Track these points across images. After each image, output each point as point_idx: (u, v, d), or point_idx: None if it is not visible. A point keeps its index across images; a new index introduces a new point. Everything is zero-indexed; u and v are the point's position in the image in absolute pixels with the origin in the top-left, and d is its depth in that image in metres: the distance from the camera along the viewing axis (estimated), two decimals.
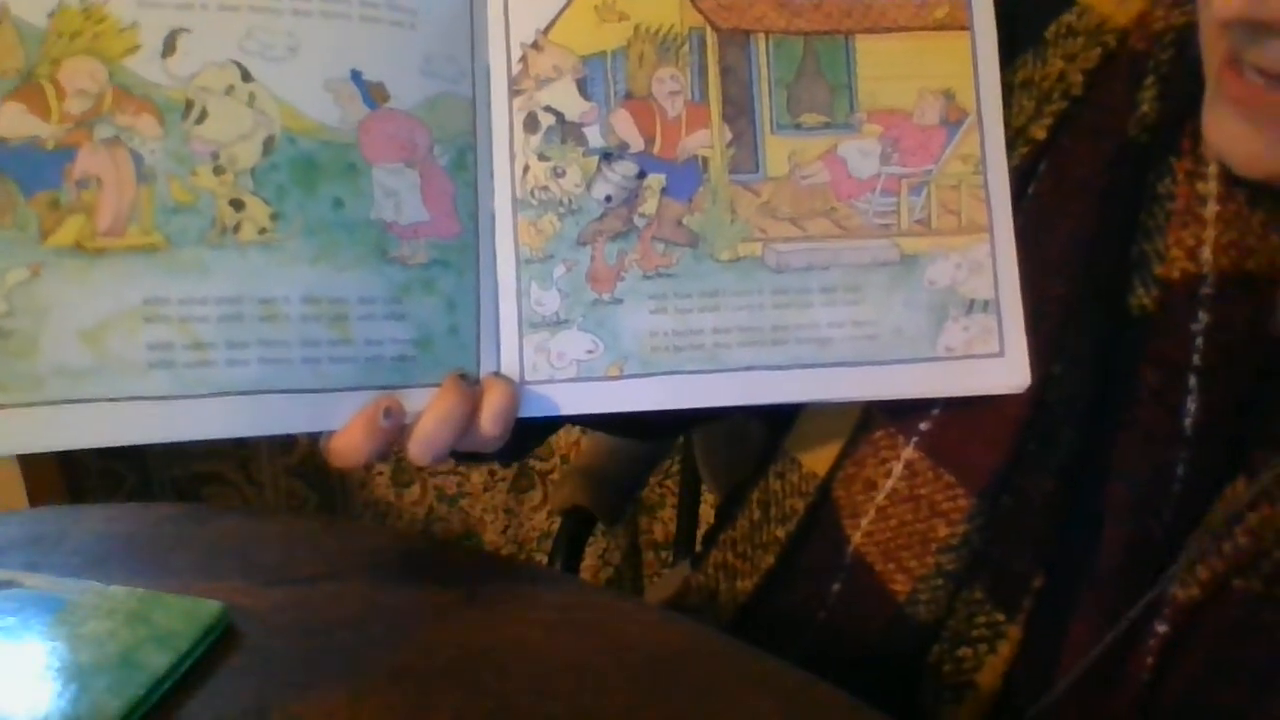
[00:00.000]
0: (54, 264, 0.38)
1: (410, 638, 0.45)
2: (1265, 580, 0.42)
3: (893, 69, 0.47)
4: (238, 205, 0.40)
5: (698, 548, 0.98)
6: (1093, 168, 0.47)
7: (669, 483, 1.50)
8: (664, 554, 1.56)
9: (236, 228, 0.40)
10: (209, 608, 0.45)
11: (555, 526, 0.88)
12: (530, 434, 0.48)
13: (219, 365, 0.39)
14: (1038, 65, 0.49)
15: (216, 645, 0.44)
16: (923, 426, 0.48)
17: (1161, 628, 0.43)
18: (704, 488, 1.01)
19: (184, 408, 0.39)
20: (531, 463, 1.56)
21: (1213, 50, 0.41)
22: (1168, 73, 0.46)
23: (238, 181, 0.40)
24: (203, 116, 0.40)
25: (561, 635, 0.45)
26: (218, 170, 0.40)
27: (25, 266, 0.37)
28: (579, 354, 0.45)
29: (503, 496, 1.59)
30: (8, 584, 0.47)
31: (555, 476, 1.55)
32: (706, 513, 1.07)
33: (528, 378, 0.45)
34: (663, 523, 1.55)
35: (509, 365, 0.45)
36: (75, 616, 0.44)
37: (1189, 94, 0.45)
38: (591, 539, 0.92)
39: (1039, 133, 0.48)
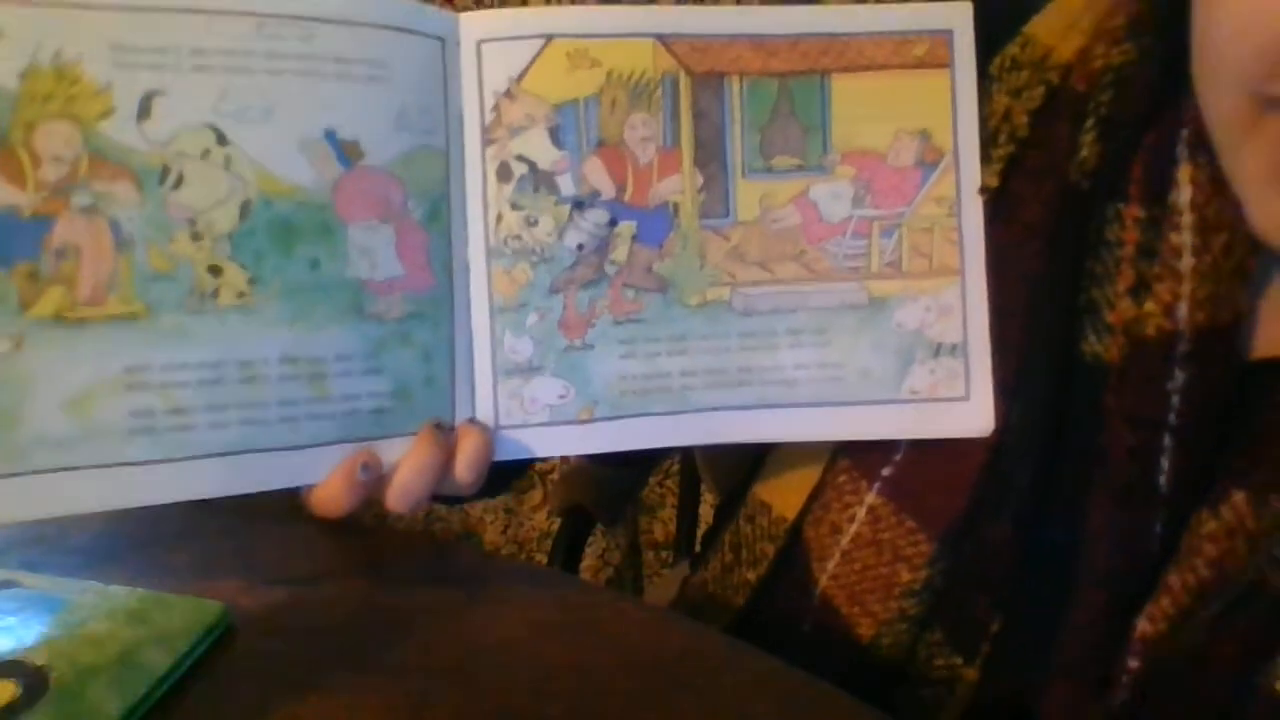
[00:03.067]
0: (35, 335, 0.38)
1: (410, 638, 0.45)
2: (1227, 606, 0.42)
3: (869, 109, 0.47)
4: (215, 271, 0.40)
5: (698, 548, 0.99)
6: (1039, 211, 0.46)
7: (669, 483, 1.50)
8: (664, 554, 1.56)
9: (215, 293, 0.40)
10: (209, 608, 0.45)
11: (555, 526, 0.88)
12: (507, 471, 0.48)
13: (200, 429, 0.40)
14: (984, 102, 0.47)
15: (216, 645, 0.44)
16: (885, 472, 0.49)
17: (1133, 663, 0.43)
18: (704, 488, 1.02)
19: (166, 472, 0.40)
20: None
21: (1256, 132, 0.38)
22: (1107, 115, 0.45)
23: (215, 248, 0.40)
24: (180, 182, 0.40)
25: (561, 635, 0.45)
26: (195, 236, 0.40)
27: (7, 339, 0.37)
28: (551, 399, 0.46)
29: (503, 497, 1.59)
30: (8, 584, 0.47)
31: (555, 476, 1.55)
32: (706, 513, 1.07)
33: (502, 422, 0.46)
34: (663, 523, 1.55)
35: (484, 411, 0.46)
36: (75, 616, 0.45)
37: (1130, 136, 0.44)
38: (591, 539, 0.92)
39: (991, 180, 0.47)
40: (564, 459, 1.53)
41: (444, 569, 0.51)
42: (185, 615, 0.45)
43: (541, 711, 0.41)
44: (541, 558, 1.53)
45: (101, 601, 0.46)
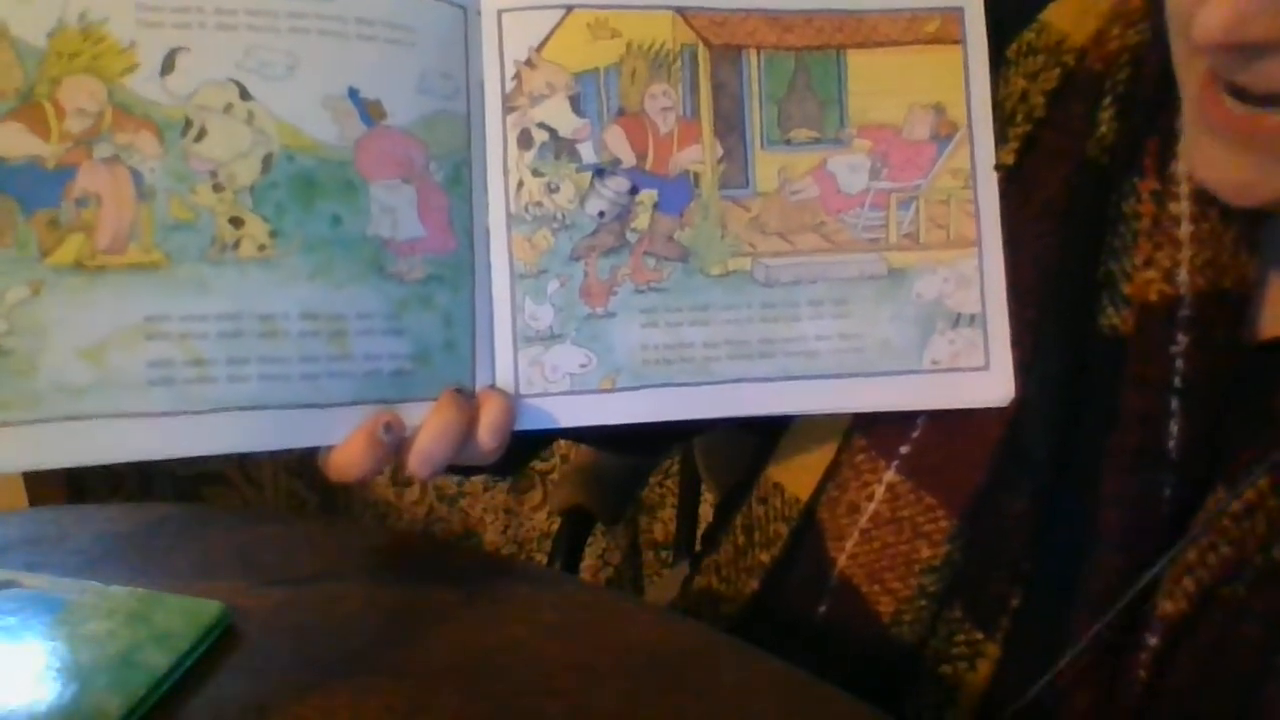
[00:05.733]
0: (54, 282, 0.38)
1: (410, 638, 0.45)
2: (1248, 587, 0.42)
3: (883, 84, 0.48)
4: (237, 223, 0.40)
5: (698, 548, 0.99)
6: (1055, 190, 0.47)
7: (669, 483, 1.50)
8: (664, 554, 1.56)
9: (236, 245, 0.40)
10: (209, 608, 0.45)
11: (555, 526, 0.88)
12: (525, 447, 0.48)
13: (219, 382, 0.40)
14: (1000, 85, 0.49)
15: (216, 645, 0.44)
16: (903, 449, 0.49)
17: (1152, 640, 0.43)
18: (704, 488, 1.02)
19: (184, 424, 0.39)
20: (531, 462, 1.56)
21: (1188, 73, 0.41)
22: (1124, 93, 0.46)
23: (237, 199, 0.40)
24: (202, 135, 0.40)
25: (561, 635, 0.45)
26: (217, 188, 0.40)
27: (25, 285, 0.37)
28: (572, 368, 0.46)
29: (503, 496, 1.59)
30: (8, 584, 0.47)
31: (555, 476, 1.55)
32: (706, 512, 1.07)
33: (522, 391, 0.45)
34: (663, 523, 1.56)
35: (504, 379, 0.45)
36: (75, 616, 0.44)
37: (1147, 114, 0.46)
38: (591, 539, 0.92)
39: (1007, 158, 0.48)
40: (565, 458, 1.53)
41: (444, 569, 0.51)
42: (185, 615, 0.45)
43: (542, 711, 0.41)
44: (541, 558, 1.53)
45: (101, 601, 0.45)
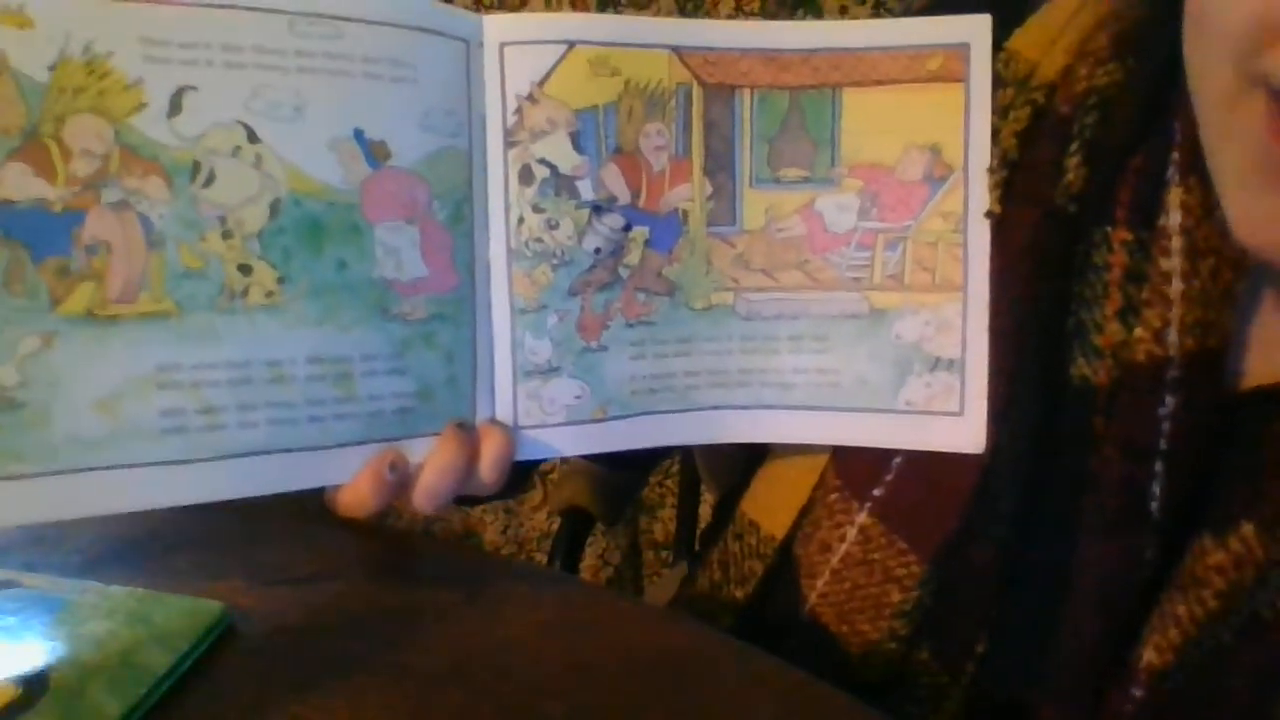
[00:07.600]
0: (66, 333, 0.37)
1: (410, 638, 0.45)
2: (1235, 639, 0.42)
3: (879, 123, 0.47)
4: (245, 270, 0.40)
5: (697, 547, 0.99)
6: (1028, 236, 0.46)
7: (669, 483, 1.50)
8: (664, 554, 1.56)
9: (244, 292, 0.40)
10: (209, 608, 0.45)
11: (555, 526, 0.88)
12: (521, 472, 0.49)
13: (230, 428, 0.40)
14: None
15: (216, 645, 0.44)
16: (876, 493, 0.49)
17: (1138, 693, 0.43)
18: (704, 488, 1.02)
19: (196, 471, 0.40)
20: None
21: (1242, 118, 0.36)
22: (1092, 139, 0.44)
23: (245, 245, 0.40)
24: (210, 179, 0.40)
25: (561, 635, 0.45)
26: (226, 235, 0.40)
27: (37, 335, 0.37)
28: (568, 399, 0.47)
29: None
30: (8, 584, 0.47)
31: (555, 476, 1.55)
32: (706, 513, 1.07)
33: (521, 423, 0.47)
34: (663, 523, 1.56)
35: (503, 412, 0.47)
36: (75, 616, 0.44)
37: (1117, 161, 0.44)
38: (591, 539, 0.92)
39: (995, 206, 0.46)
40: (563, 459, 1.53)
41: (444, 569, 0.51)
42: (185, 615, 0.45)
43: (542, 711, 0.41)
44: (541, 558, 1.53)
45: (101, 601, 0.45)
